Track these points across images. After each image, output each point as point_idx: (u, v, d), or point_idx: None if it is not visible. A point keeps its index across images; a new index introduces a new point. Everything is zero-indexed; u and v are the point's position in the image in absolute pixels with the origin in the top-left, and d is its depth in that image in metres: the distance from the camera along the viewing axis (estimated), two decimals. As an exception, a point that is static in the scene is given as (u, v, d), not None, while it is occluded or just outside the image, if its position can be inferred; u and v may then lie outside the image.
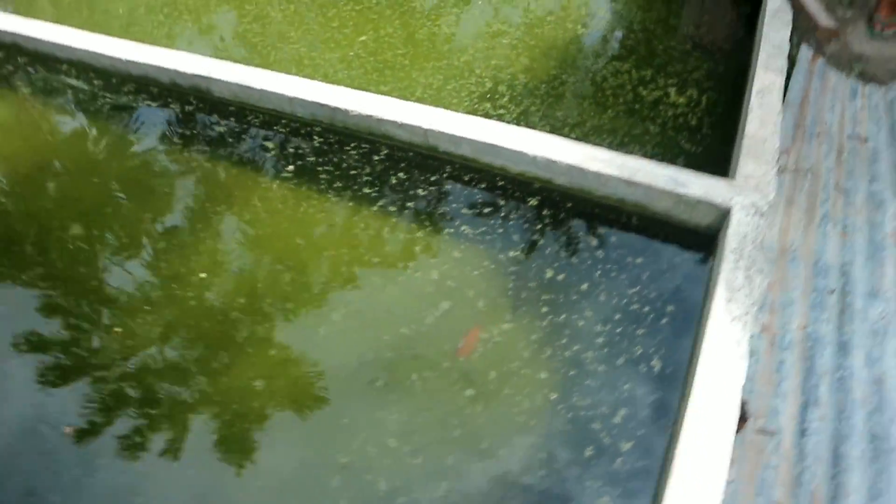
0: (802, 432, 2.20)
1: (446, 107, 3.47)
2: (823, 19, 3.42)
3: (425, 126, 3.17)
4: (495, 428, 2.39)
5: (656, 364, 2.54)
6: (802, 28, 3.60)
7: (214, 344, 2.70)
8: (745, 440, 2.19)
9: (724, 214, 2.78)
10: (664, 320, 2.65)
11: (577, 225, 2.97)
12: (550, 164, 2.98)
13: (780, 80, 3.24)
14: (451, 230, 3.00)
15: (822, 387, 2.32)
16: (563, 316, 2.68)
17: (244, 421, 2.48)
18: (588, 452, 2.33)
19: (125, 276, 2.96)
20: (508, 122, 3.43)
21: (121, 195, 3.32)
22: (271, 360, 2.64)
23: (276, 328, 2.75)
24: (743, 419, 2.21)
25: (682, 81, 3.64)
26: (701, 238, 2.89)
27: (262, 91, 3.52)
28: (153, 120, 3.63)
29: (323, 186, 3.22)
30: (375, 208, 3.11)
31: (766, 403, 2.29)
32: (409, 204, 3.11)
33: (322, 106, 3.39)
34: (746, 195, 2.76)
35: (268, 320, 2.77)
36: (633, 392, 2.46)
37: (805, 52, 3.64)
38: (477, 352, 2.60)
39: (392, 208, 3.09)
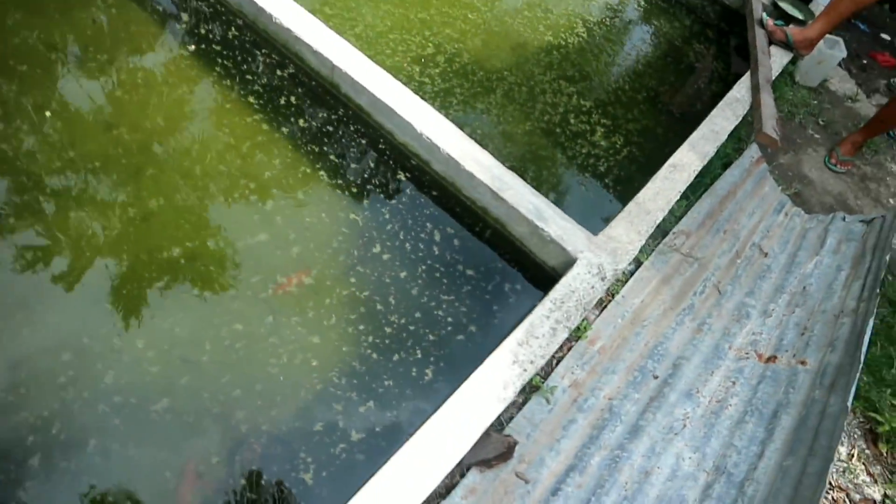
0: (555, 492, 2.12)
1: (376, 53, 3.31)
2: (769, 127, 3.28)
3: (335, 62, 3.00)
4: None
5: (428, 374, 2.42)
6: (755, 128, 3.46)
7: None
8: (499, 476, 2.12)
9: (569, 263, 2.65)
10: (459, 337, 2.53)
11: (433, 215, 2.83)
12: (433, 147, 2.83)
13: (698, 164, 3.11)
14: (309, 170, 2.85)
15: (596, 458, 2.24)
16: (366, 293, 2.56)
17: None
18: (318, 427, 2.23)
19: None
20: (425, 94, 3.28)
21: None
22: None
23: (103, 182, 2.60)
24: (505, 456, 2.14)
25: (615, 127, 3.49)
26: (544, 275, 2.76)
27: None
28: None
29: (211, 78, 3.06)
30: (249, 119, 2.96)
31: (537, 452, 2.21)
32: (284, 129, 2.96)
33: (252, 3, 3.22)
34: (597, 254, 2.64)
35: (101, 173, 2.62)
36: (386, 395, 2.35)
37: (753, 150, 3.50)
38: (303, 284, 2.47)
39: (265, 126, 2.94)
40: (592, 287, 2.56)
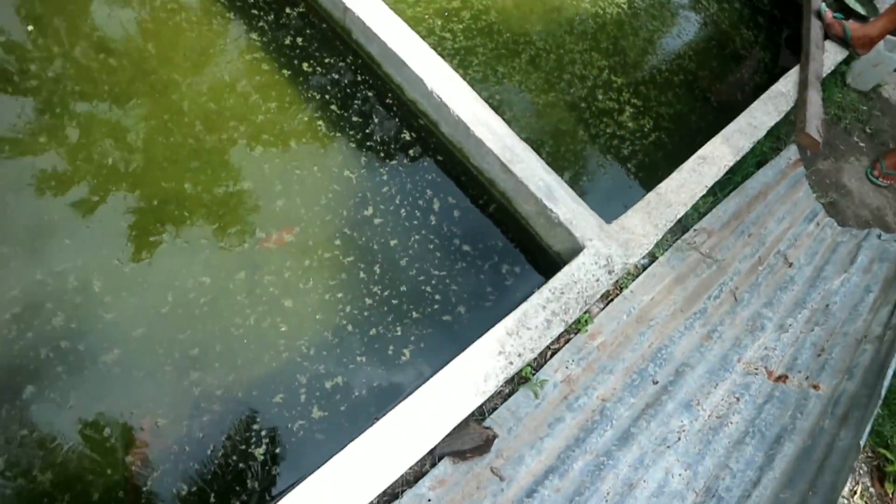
0: (530, 493, 1.97)
1: (396, 1, 3.05)
2: (812, 128, 3.01)
3: (348, 3, 2.76)
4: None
5: (406, 354, 2.23)
6: (797, 127, 3.19)
7: None
8: (472, 469, 1.96)
9: (575, 251, 2.43)
10: (445, 317, 2.33)
11: (434, 181, 2.61)
12: (442, 106, 2.60)
13: (730, 159, 2.85)
14: (306, 118, 2.63)
15: (579, 462, 2.09)
16: (350, 259, 2.35)
17: None
18: (277, 398, 2.07)
19: None
20: (443, 49, 3.02)
21: None
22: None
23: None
24: (482, 449, 1.99)
25: (645, 109, 3.22)
26: (547, 260, 2.54)
27: None
28: None
29: (214, 8, 2.83)
30: (249, 56, 2.74)
31: (517, 449, 2.04)
32: (285, 71, 2.73)
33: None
34: (607, 244, 2.41)
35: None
36: (357, 372, 2.16)
37: (791, 151, 3.23)
38: (284, 242, 2.28)
39: (265, 66, 2.72)
40: (598, 280, 2.34)
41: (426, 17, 3.13)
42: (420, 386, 1.98)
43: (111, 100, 2.45)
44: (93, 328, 2.02)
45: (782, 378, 2.51)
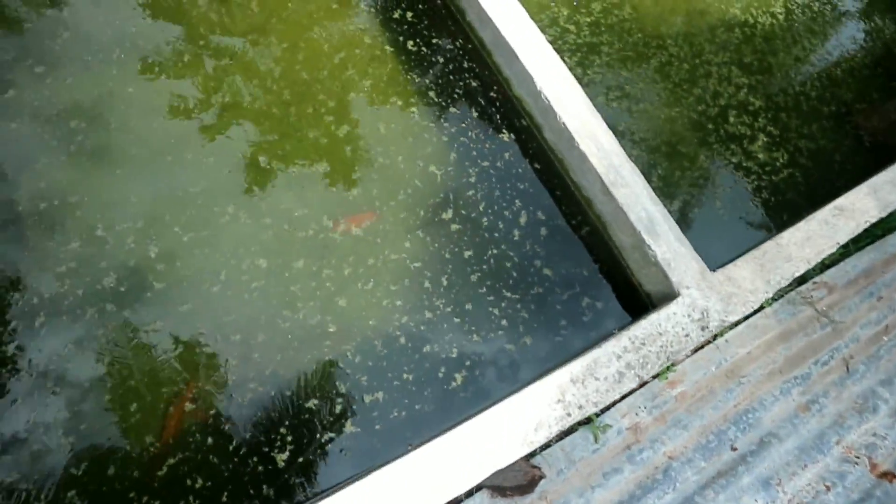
0: None
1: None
2: None
3: (467, -18, 2.54)
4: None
5: (457, 380, 2.04)
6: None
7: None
8: None
9: (668, 297, 2.15)
10: (509, 346, 2.12)
11: (526, 192, 2.38)
12: (549, 110, 2.35)
13: (874, 215, 2.45)
14: (400, 102, 2.46)
15: None
16: (417, 265, 2.18)
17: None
18: (311, 404, 1.95)
19: None
20: (563, 44, 2.74)
21: None
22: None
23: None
24: (524, 489, 1.85)
25: (782, 139, 2.82)
26: (635, 300, 2.28)
27: None
28: None
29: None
30: (352, 27, 2.59)
31: (563, 494, 1.88)
32: (388, 48, 2.56)
33: None
34: (705, 296, 2.11)
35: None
36: (400, 390, 2.00)
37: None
38: (351, 234, 2.15)
39: (368, 39, 2.56)
40: (687, 335, 2.06)
41: (552, 3, 2.85)
42: (464, 421, 1.80)
43: (201, 67, 2.35)
44: (140, 295, 1.95)
45: (888, 475, 2.17)
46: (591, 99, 2.39)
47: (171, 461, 1.82)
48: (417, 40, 2.61)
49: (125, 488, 1.73)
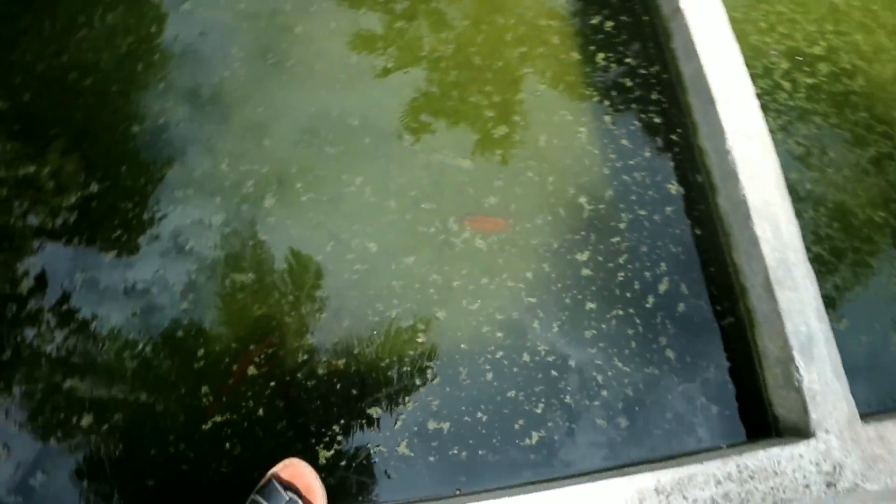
0: None
1: (743, 18, 2.45)
2: None
3: (681, 3, 2.24)
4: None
5: (531, 439, 1.85)
6: None
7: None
8: None
9: (798, 433, 1.83)
10: (598, 421, 1.90)
11: (675, 257, 2.10)
12: (732, 175, 2.05)
13: None
14: (570, 117, 2.24)
15: None
16: (531, 300, 1.98)
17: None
18: (371, 412, 1.82)
19: None
20: (770, 101, 2.39)
21: None
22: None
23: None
24: None
25: None
26: (758, 417, 1.97)
27: None
28: None
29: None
30: (542, 21, 2.37)
31: None
32: (574, 53, 2.32)
33: None
34: (845, 449, 1.78)
35: None
36: (470, 428, 1.83)
37: None
38: (483, 237, 1.99)
39: (556, 38, 2.34)
40: (807, 486, 1.74)
41: (769, 52, 2.48)
42: (523, 488, 1.60)
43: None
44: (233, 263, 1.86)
45: None
46: (783, 172, 2.05)
47: (219, 418, 1.75)
48: (609, 54, 2.34)
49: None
